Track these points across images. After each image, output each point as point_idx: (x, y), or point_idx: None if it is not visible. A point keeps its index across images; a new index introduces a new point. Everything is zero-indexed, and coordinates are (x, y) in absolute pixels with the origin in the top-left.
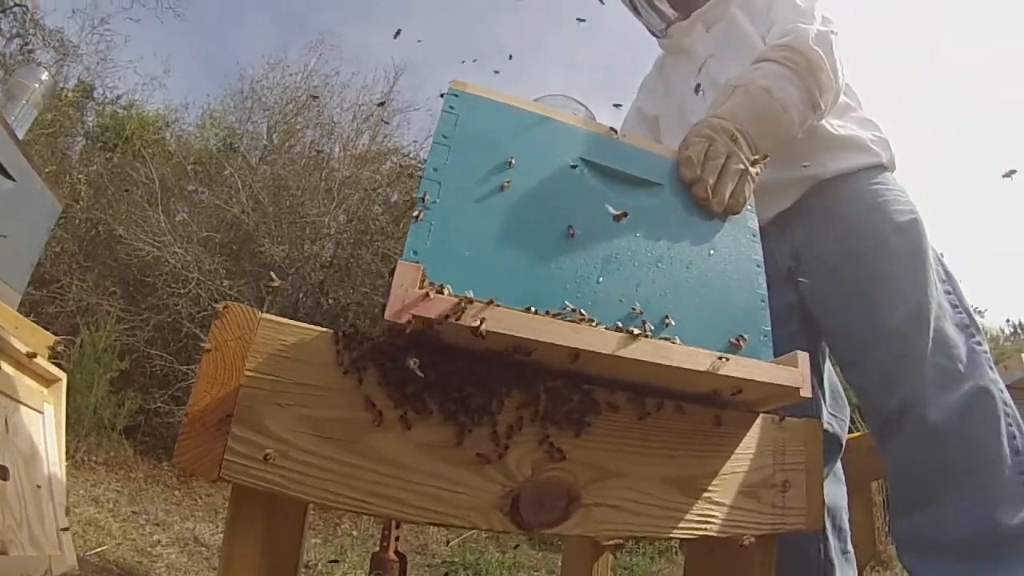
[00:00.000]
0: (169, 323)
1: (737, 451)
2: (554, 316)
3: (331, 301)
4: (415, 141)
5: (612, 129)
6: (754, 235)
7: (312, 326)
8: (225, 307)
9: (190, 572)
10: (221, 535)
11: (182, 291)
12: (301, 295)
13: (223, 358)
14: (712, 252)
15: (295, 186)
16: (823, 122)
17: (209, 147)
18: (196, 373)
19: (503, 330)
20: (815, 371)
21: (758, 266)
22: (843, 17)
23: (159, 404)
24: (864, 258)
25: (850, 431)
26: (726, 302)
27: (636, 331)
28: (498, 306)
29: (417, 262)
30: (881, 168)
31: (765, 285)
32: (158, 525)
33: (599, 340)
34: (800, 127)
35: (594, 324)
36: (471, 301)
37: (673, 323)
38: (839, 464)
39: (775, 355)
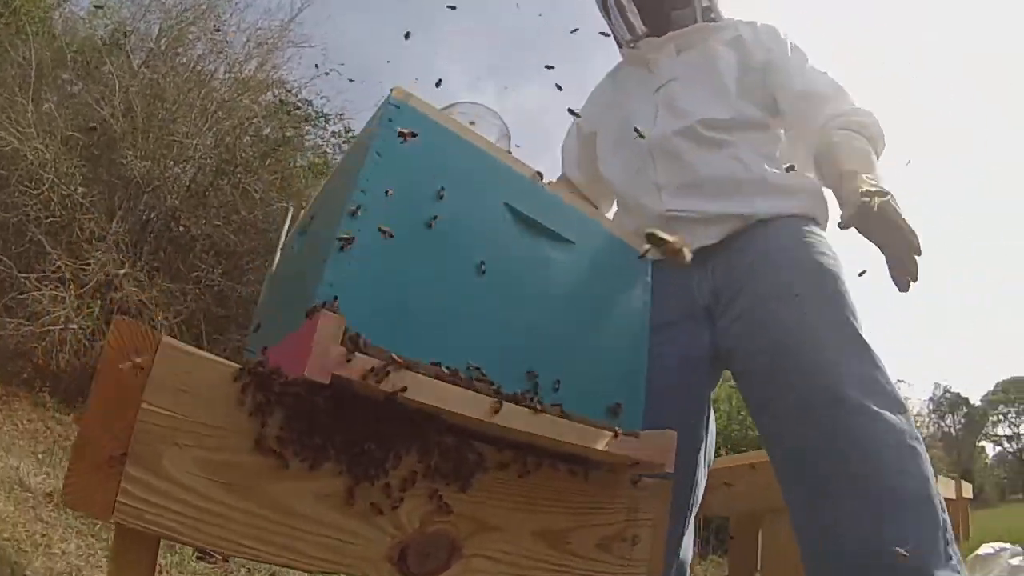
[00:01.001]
0: (14, 224)
1: (598, 507)
2: (458, 377)
3: (181, 228)
4: (302, 78)
5: (538, 173)
6: (646, 298)
7: (218, 358)
8: (118, 324)
9: (18, 525)
10: (45, 476)
11: (34, 191)
12: (153, 215)
13: (117, 383)
14: (607, 314)
15: (171, 99)
16: (765, 166)
17: (95, 37)
18: (35, 284)
19: (420, 399)
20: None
21: (644, 329)
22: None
23: None
24: (784, 309)
25: None
26: (611, 366)
27: (537, 406)
28: (416, 372)
29: (334, 297)
30: (813, 220)
31: (646, 351)
32: None
33: (508, 415)
34: None
35: (494, 387)
36: (392, 361)
37: (561, 387)
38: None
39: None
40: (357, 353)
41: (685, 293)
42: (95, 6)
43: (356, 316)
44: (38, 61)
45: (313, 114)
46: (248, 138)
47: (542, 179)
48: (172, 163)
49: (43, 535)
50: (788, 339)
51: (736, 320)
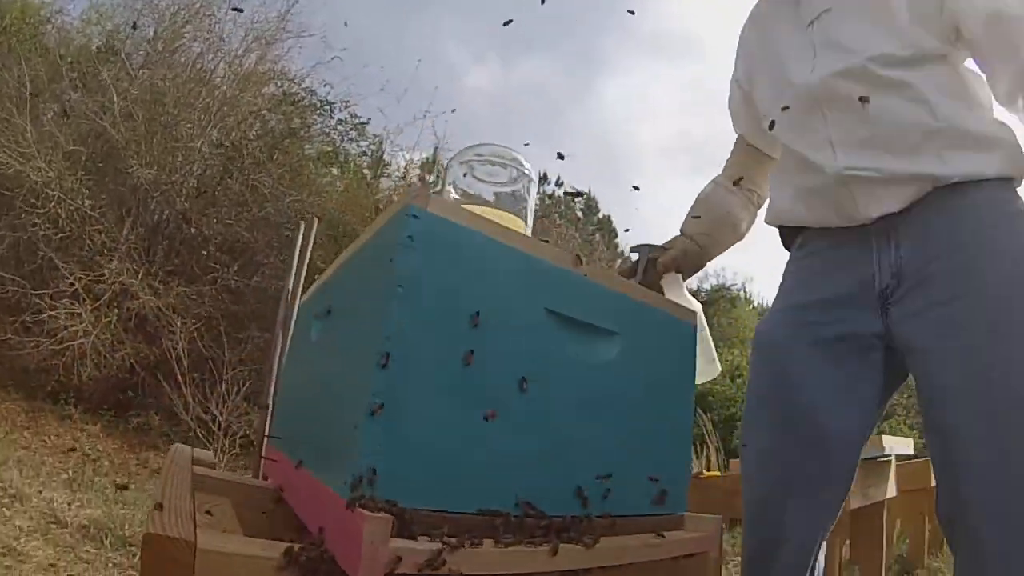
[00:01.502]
0: (25, 242)
1: None
2: (509, 521)
3: (193, 230)
4: (303, 68)
5: (578, 258)
6: (691, 367)
7: (258, 549)
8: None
9: (60, 571)
10: (79, 506)
11: (41, 210)
12: (163, 219)
13: None
14: (653, 400)
15: (172, 101)
16: (956, 110)
17: (90, 46)
18: (50, 302)
19: (477, 572)
20: (876, 422)
21: (689, 403)
22: None
23: (9, 335)
24: (1003, 328)
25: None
26: (658, 453)
27: (589, 541)
28: (466, 541)
29: (372, 470)
30: (1013, 182)
31: (691, 422)
32: (14, 496)
33: (564, 558)
34: None
35: (544, 523)
36: (444, 547)
37: (611, 495)
38: None
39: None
40: (409, 542)
41: (861, 268)
42: None
43: (397, 482)
44: (33, 77)
45: (318, 103)
46: (254, 132)
47: (582, 262)
48: (179, 166)
49: None
50: (992, 372)
51: (917, 316)
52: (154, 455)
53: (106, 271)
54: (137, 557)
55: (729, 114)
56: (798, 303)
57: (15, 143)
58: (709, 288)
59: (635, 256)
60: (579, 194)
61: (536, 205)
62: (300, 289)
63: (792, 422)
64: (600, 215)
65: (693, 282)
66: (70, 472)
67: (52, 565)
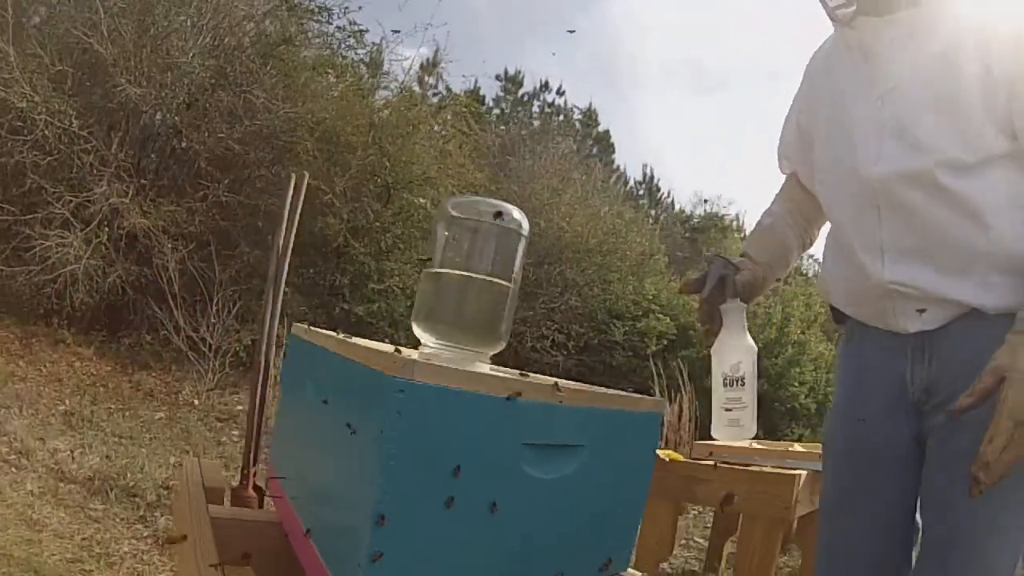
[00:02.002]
0: (12, 168)
1: None
2: None
3: (184, 144)
4: None
5: (556, 385)
6: (652, 452)
7: None
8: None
9: (75, 535)
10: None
11: (27, 136)
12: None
13: None
14: (612, 492)
15: (161, 11)
16: (1009, 225)
17: None
18: (40, 230)
19: None
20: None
21: (644, 485)
22: None
23: None
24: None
25: None
26: (610, 531)
27: None
28: None
29: None
30: None
31: (644, 502)
32: (21, 452)
33: None
34: None
35: None
36: None
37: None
38: None
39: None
40: None
41: (895, 381)
42: None
43: None
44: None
45: (315, 8)
46: (247, 39)
47: (559, 389)
48: (169, 81)
49: (98, 541)
50: (964, 521)
51: (951, 454)
52: (146, 375)
53: (96, 192)
54: (143, 511)
55: (777, 154)
56: (849, 412)
57: None
58: (702, 214)
59: (709, 267)
60: None
61: (536, 114)
62: (291, 244)
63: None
64: (599, 129)
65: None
66: (67, 403)
67: (66, 530)
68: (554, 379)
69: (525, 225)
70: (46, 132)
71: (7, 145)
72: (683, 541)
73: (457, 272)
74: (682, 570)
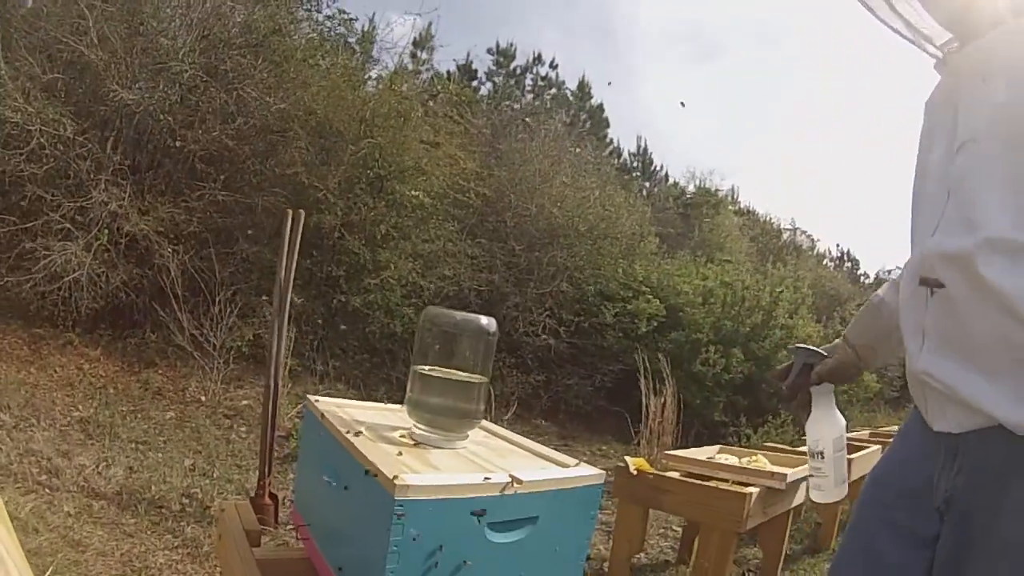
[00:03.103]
0: (11, 179)
1: None
2: None
3: (178, 143)
4: None
5: (516, 479)
6: (590, 526)
7: None
8: None
9: (116, 552)
10: (105, 464)
11: (23, 149)
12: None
13: None
14: (555, 550)
15: (150, 11)
16: None
17: None
18: (41, 237)
19: None
20: None
21: (583, 550)
22: None
23: (2, 272)
24: None
25: None
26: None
27: None
28: None
29: None
30: None
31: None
32: (51, 472)
33: None
34: None
35: None
36: None
37: None
38: None
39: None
40: None
41: (924, 473)
42: None
43: None
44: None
45: None
46: (236, 30)
47: (521, 482)
48: (161, 83)
49: (136, 555)
50: None
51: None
52: (153, 373)
53: (94, 197)
54: (169, 521)
55: None
56: (885, 483)
57: None
58: (695, 190)
59: (793, 357)
60: None
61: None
62: (292, 276)
63: None
64: (592, 102)
65: (682, 181)
66: (80, 409)
67: (106, 548)
68: (511, 476)
69: (493, 327)
70: (42, 140)
71: (3, 158)
72: (661, 530)
73: (439, 374)
74: (657, 559)
